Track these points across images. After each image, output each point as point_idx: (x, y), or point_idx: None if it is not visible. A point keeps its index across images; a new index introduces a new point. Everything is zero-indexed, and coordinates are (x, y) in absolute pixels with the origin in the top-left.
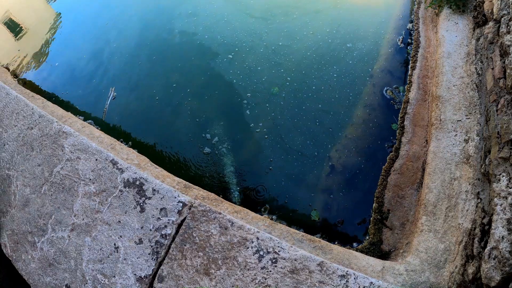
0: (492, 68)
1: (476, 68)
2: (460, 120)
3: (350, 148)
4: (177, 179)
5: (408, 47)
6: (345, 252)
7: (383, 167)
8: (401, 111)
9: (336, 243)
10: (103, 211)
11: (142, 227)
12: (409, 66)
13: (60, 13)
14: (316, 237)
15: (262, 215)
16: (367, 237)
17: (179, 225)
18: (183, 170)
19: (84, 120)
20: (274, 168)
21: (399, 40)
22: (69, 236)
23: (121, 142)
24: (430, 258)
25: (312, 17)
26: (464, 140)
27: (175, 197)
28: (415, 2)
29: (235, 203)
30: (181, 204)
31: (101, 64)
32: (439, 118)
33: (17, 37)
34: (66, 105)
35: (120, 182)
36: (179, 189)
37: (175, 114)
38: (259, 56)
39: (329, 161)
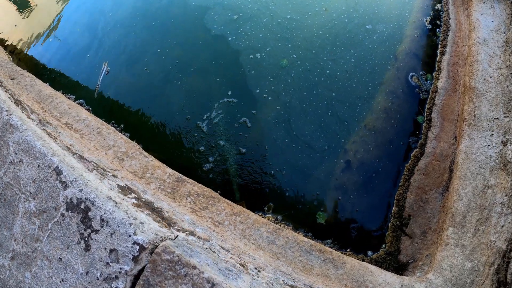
0: None
1: None
2: (497, 118)
3: (368, 141)
4: (169, 170)
5: (437, 30)
6: (359, 267)
7: (406, 165)
8: (428, 101)
9: (348, 250)
10: (43, 241)
11: (87, 273)
12: (438, 51)
13: None
14: (327, 243)
15: (265, 215)
16: (384, 246)
17: (135, 278)
18: (178, 155)
19: (76, 99)
20: (279, 160)
21: (426, 21)
22: (9, 266)
23: (113, 124)
24: (455, 278)
25: None
26: (502, 142)
27: (130, 235)
28: None
29: (235, 198)
30: (137, 247)
31: (95, 37)
32: (472, 113)
33: (20, 13)
34: (58, 83)
35: (63, 202)
36: (170, 183)
37: (173, 90)
38: (263, 27)
39: (343, 156)
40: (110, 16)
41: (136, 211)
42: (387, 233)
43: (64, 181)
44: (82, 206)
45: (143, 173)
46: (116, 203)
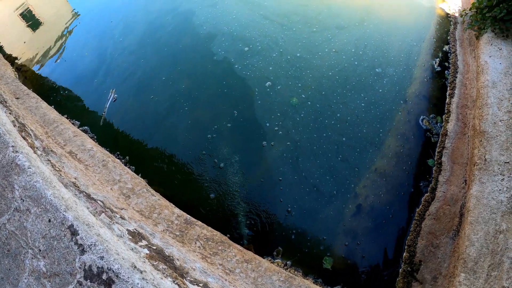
0: None
1: None
2: (508, 162)
3: (379, 185)
4: (176, 211)
5: (446, 72)
6: None
7: (417, 210)
8: (438, 145)
9: None
10: None
11: None
12: (447, 93)
13: (77, 12)
14: None
15: (275, 259)
16: None
17: None
18: (184, 190)
19: (81, 125)
20: (288, 199)
21: (435, 63)
22: None
23: (118, 156)
24: None
25: (334, 34)
26: None
27: None
28: (451, 22)
29: (243, 242)
30: None
31: (104, 62)
32: (483, 157)
33: (30, 29)
34: (63, 106)
35: (79, 268)
36: (178, 224)
37: (179, 120)
38: (272, 61)
39: (354, 200)
40: (120, 41)
41: (161, 278)
42: (397, 279)
43: (81, 244)
44: (104, 277)
45: (150, 212)
46: (142, 272)
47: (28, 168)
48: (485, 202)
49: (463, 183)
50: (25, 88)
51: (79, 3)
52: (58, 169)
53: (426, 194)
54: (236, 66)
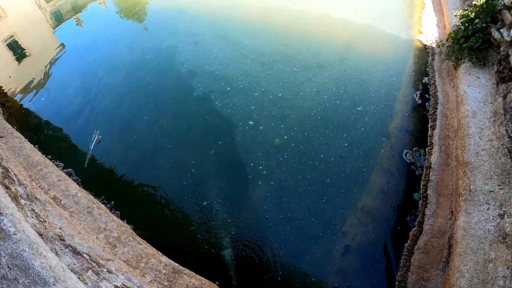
0: None
1: (507, 130)
2: (492, 191)
3: (366, 223)
4: (164, 260)
5: (426, 104)
6: None
7: (405, 245)
8: (423, 178)
9: None
10: None
11: None
12: (429, 125)
13: (63, 44)
14: None
15: None
16: None
17: None
18: (169, 234)
19: (65, 167)
20: (274, 241)
21: (416, 96)
22: None
23: (102, 200)
24: None
25: (315, 73)
26: (499, 215)
27: None
28: (429, 54)
29: (231, 284)
30: None
31: (88, 102)
32: (468, 188)
33: (16, 62)
34: (47, 146)
35: None
36: (166, 274)
37: (163, 162)
38: (254, 100)
39: (341, 240)
40: (104, 80)
41: None
42: None
43: None
44: None
45: (137, 262)
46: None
47: (14, 234)
48: (473, 233)
49: (449, 214)
50: (9, 126)
51: (65, 36)
52: (42, 220)
53: (413, 229)
54: (219, 105)
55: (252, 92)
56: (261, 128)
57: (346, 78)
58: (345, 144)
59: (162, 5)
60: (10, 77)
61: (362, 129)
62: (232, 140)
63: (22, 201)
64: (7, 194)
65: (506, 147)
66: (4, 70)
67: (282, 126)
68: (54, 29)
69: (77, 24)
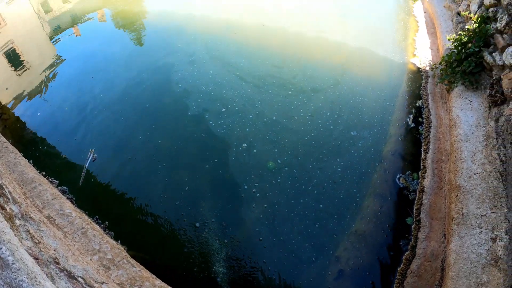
0: None
1: (499, 154)
2: (484, 215)
3: (359, 247)
4: (158, 283)
5: (420, 127)
6: None
7: (398, 269)
8: (416, 201)
9: None
10: None
11: None
12: (422, 149)
13: (60, 56)
14: None
15: None
16: None
17: None
18: (164, 254)
19: (60, 184)
20: (268, 265)
21: (409, 120)
22: None
23: (96, 220)
24: None
25: (310, 97)
26: (491, 238)
27: None
28: (423, 77)
29: None
30: None
31: (84, 119)
32: (460, 212)
33: (14, 73)
34: (42, 162)
35: None
36: None
37: (157, 182)
38: (249, 123)
39: (335, 264)
40: (100, 97)
41: None
42: None
43: None
44: None
45: (131, 285)
46: None
47: (13, 263)
48: (465, 256)
49: (442, 237)
50: (5, 140)
51: (63, 47)
52: (37, 241)
53: (406, 253)
54: (214, 125)
55: (247, 114)
56: (255, 151)
57: (340, 102)
58: (339, 169)
59: (159, 22)
60: (7, 89)
61: (356, 154)
62: (226, 161)
63: (17, 221)
64: (3, 216)
65: (498, 171)
66: (1, 80)
67: (276, 150)
68: (52, 40)
69: (75, 35)
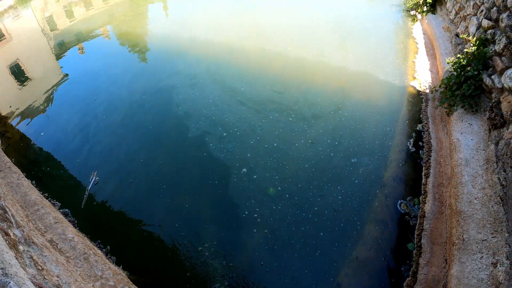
0: None
1: (499, 178)
2: (485, 240)
3: (360, 273)
4: None
5: (420, 151)
6: None
7: None
8: (417, 227)
9: None
10: None
11: None
12: (423, 173)
13: (64, 73)
14: None
15: None
16: None
17: None
18: (165, 279)
19: (62, 207)
20: None
21: (410, 144)
22: None
23: (98, 244)
24: None
25: (311, 124)
26: (492, 263)
27: None
28: (423, 100)
29: None
30: None
31: (87, 142)
32: (461, 237)
33: (18, 89)
34: (44, 184)
35: None
36: None
37: (158, 205)
38: (250, 149)
39: None
40: (103, 119)
41: None
42: None
43: None
44: None
45: None
46: None
47: None
48: (466, 282)
49: (443, 262)
50: (8, 159)
51: (67, 64)
52: (40, 268)
53: (408, 279)
54: (215, 150)
55: (248, 139)
56: (255, 176)
57: (340, 129)
58: (339, 197)
59: (163, 44)
60: (10, 106)
61: (356, 181)
62: (226, 186)
63: (21, 247)
64: (7, 243)
65: (499, 195)
66: (5, 96)
67: (277, 177)
68: (56, 57)
69: (79, 53)
